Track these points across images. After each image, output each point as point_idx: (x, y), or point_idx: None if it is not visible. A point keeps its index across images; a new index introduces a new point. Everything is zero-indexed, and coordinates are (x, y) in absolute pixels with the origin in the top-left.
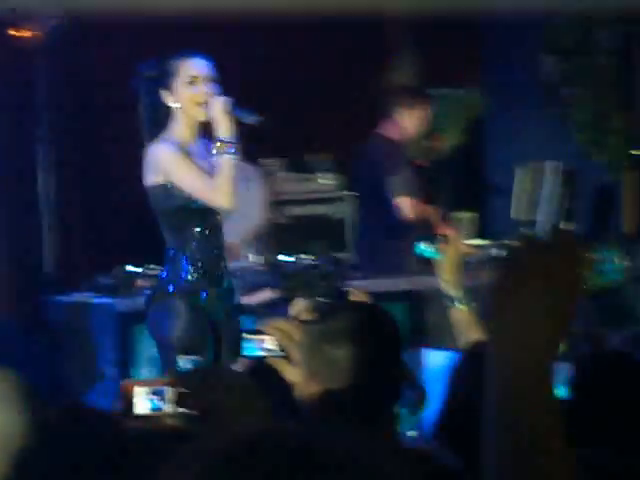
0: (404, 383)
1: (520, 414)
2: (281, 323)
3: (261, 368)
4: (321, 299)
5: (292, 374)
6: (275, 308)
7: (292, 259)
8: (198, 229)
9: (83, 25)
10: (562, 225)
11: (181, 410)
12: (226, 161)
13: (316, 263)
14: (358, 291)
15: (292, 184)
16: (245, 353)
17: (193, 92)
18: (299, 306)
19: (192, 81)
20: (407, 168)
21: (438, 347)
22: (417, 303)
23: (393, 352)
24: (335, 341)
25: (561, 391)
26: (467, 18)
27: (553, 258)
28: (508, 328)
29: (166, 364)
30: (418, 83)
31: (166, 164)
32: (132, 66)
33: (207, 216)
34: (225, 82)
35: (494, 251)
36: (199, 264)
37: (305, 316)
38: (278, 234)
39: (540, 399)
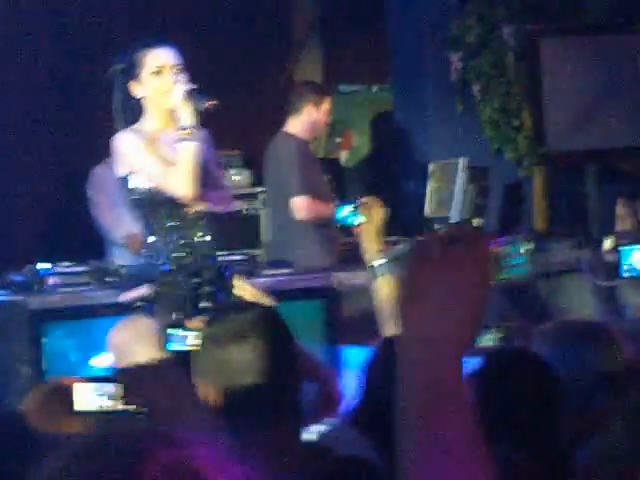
0: (304, 379)
1: (425, 412)
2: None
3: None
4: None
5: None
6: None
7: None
8: (168, 223)
9: None
10: (473, 221)
11: (123, 407)
12: (186, 148)
13: (219, 261)
14: (244, 284)
15: None
16: (169, 348)
17: (159, 81)
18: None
19: (158, 71)
20: (312, 166)
21: (354, 343)
22: (332, 299)
23: (281, 350)
24: (221, 343)
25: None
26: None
27: (458, 252)
28: (414, 325)
29: None
30: (324, 79)
31: (127, 154)
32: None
33: (173, 208)
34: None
35: (404, 248)
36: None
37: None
38: None
39: (447, 397)
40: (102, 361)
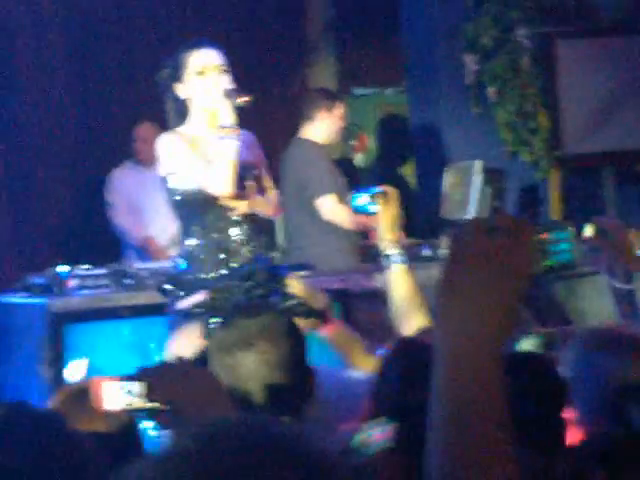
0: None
1: (461, 407)
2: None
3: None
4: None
5: None
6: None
7: None
8: (209, 224)
9: None
10: None
11: (151, 404)
12: (225, 146)
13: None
14: (298, 283)
15: None
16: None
17: (202, 82)
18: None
19: (201, 71)
20: (332, 168)
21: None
22: (349, 301)
23: (290, 356)
24: (230, 350)
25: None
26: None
27: (498, 240)
28: (454, 317)
29: None
30: (338, 83)
31: (169, 155)
32: None
33: (215, 210)
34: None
35: (423, 251)
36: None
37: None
38: None
39: (485, 389)
40: (75, 369)
